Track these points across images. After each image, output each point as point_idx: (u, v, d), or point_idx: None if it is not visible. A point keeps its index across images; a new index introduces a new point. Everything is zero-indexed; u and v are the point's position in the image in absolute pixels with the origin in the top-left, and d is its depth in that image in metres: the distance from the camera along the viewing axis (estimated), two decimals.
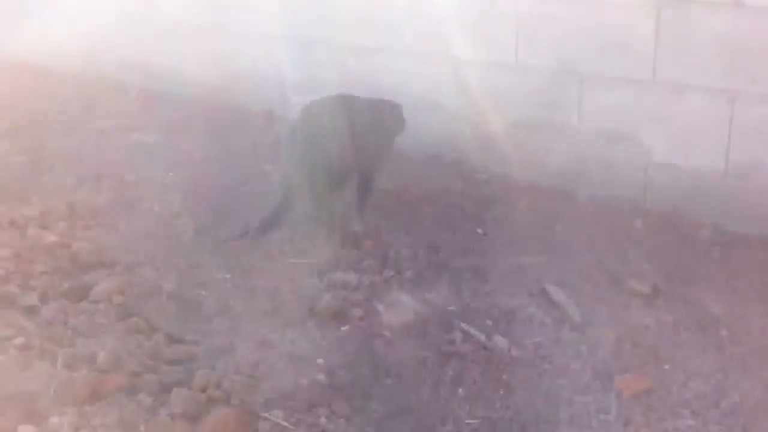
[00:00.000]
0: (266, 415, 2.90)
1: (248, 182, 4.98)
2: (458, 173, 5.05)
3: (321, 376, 3.19)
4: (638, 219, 4.40)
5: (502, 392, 3.11)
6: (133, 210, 4.62)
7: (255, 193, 4.81)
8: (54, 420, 2.73)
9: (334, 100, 4.43)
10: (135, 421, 2.77)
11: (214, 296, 3.74)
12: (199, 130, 5.92)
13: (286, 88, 5.89)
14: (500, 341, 3.39)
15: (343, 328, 3.53)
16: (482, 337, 3.43)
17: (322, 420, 2.93)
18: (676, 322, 3.50)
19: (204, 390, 2.97)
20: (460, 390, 3.13)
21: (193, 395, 2.90)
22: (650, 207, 4.47)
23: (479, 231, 4.39)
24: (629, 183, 4.56)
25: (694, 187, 4.34)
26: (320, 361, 3.30)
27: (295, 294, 3.78)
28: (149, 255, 4.08)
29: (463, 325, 3.52)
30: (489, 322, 3.56)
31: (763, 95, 4.01)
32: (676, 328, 3.46)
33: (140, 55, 6.86)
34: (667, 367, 3.21)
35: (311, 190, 4.29)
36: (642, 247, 4.14)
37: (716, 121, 4.19)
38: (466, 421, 2.95)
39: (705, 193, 4.31)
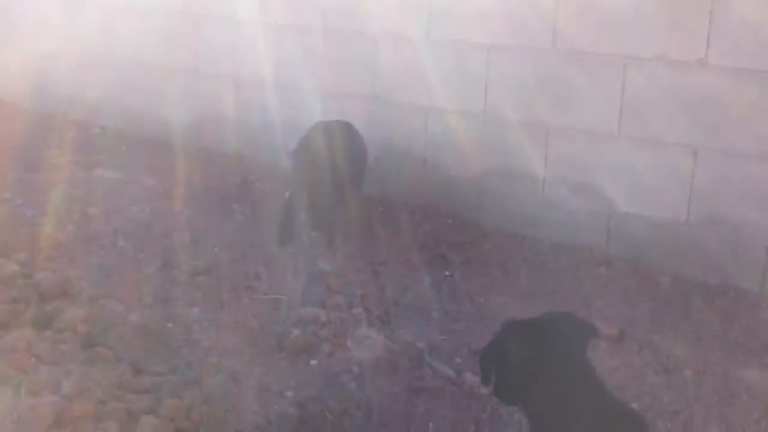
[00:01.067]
0: None
1: (214, 219, 4.96)
2: (425, 218, 5.09)
3: (291, 409, 3.15)
4: (602, 266, 4.49)
5: (472, 428, 3.11)
6: (96, 243, 4.55)
7: (221, 230, 4.80)
8: None
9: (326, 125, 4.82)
10: None
11: (181, 329, 3.69)
12: (165, 169, 5.89)
13: (255, 130, 5.93)
14: (470, 378, 3.40)
15: (312, 363, 3.51)
16: (452, 374, 3.43)
17: None
18: (643, 364, 3.56)
19: (173, 419, 2.91)
20: (431, 424, 3.12)
21: (161, 424, 2.85)
22: (614, 254, 4.56)
23: (447, 273, 4.42)
24: (593, 231, 4.66)
25: (657, 237, 4.45)
26: (289, 394, 3.26)
27: (263, 329, 3.75)
28: (113, 287, 4.02)
29: (433, 362, 3.52)
30: (458, 360, 3.57)
31: (725, 150, 4.16)
32: (642, 369, 3.52)
33: (107, 94, 6.83)
34: (635, 405, 3.24)
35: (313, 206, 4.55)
36: (606, 293, 4.22)
37: (679, 175, 4.32)
38: None
39: (667, 242, 4.42)
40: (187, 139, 6.33)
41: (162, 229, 4.78)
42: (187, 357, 3.47)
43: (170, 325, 3.71)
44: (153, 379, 3.23)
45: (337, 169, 4.59)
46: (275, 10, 5.80)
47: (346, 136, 4.75)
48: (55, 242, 4.50)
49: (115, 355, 3.36)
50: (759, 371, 3.49)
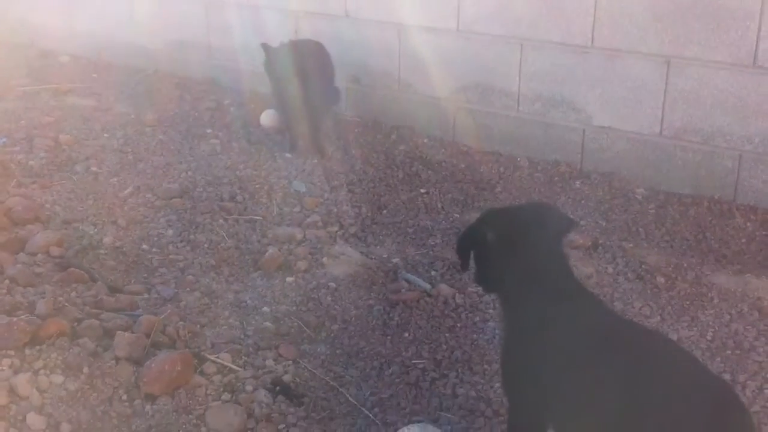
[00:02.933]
0: (213, 357, 2.87)
1: (188, 143, 4.91)
2: (401, 137, 5.07)
3: (267, 323, 3.17)
4: (577, 180, 4.50)
5: (447, 335, 3.15)
6: (68, 169, 4.50)
7: (195, 154, 4.76)
8: None
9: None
10: (78, 365, 2.70)
11: (156, 250, 3.69)
12: (137, 96, 5.81)
13: (228, 54, 5.83)
14: (445, 289, 3.43)
15: (289, 279, 3.52)
16: (427, 286, 3.46)
17: (269, 362, 2.92)
18: (616, 271, 3.60)
19: (148, 335, 2.92)
20: (406, 334, 3.16)
21: (137, 339, 2.85)
22: (589, 169, 4.57)
23: (423, 191, 4.42)
24: (569, 146, 4.65)
25: (631, 149, 4.45)
26: (266, 309, 3.29)
27: (239, 248, 3.75)
28: (87, 212, 3.99)
29: (408, 276, 3.54)
30: (433, 273, 3.60)
31: (697, 58, 4.14)
32: (615, 277, 3.56)
33: (76, 21, 6.68)
34: None
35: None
36: (581, 206, 4.24)
37: (652, 86, 4.31)
38: (413, 362, 2.98)
39: (641, 155, 4.42)
40: (160, 65, 6.23)
41: (135, 154, 4.73)
42: (163, 276, 3.47)
43: (145, 246, 3.70)
44: (129, 298, 3.23)
45: (307, 87, 4.61)
46: None
47: (314, 54, 4.69)
48: (28, 169, 4.44)
49: (90, 277, 3.34)
50: (730, 276, 3.54)
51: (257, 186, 4.33)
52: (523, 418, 2.25)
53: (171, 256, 3.63)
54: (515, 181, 4.55)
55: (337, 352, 3.05)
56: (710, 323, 3.21)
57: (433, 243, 3.88)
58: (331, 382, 2.87)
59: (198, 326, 3.08)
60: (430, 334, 3.15)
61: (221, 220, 3.96)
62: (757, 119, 4.06)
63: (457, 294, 3.41)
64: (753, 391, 2.81)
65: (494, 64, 4.83)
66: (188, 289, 3.37)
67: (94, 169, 4.52)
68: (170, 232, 3.84)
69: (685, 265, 3.62)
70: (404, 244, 3.87)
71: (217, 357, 2.88)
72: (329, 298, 3.40)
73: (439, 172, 4.65)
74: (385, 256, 3.74)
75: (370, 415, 2.71)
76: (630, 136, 4.45)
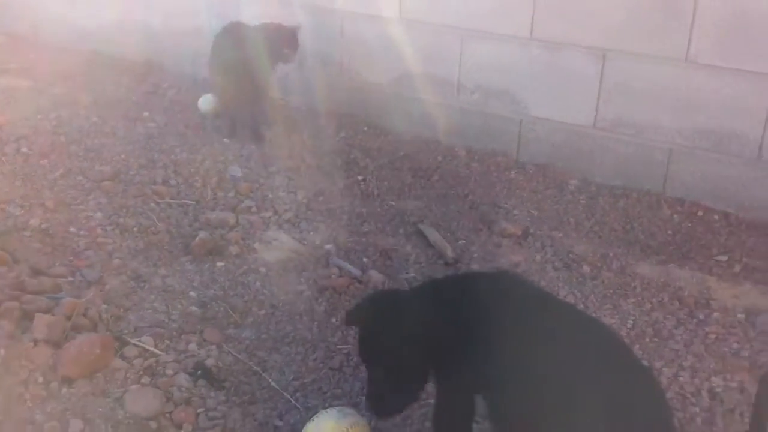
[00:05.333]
0: (134, 341, 2.84)
1: (123, 126, 4.83)
2: (342, 124, 5.06)
3: (193, 308, 3.15)
4: (513, 170, 4.54)
5: None
6: None
7: (130, 137, 4.69)
8: None
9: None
10: None
11: (84, 233, 3.62)
12: (74, 77, 5.69)
13: (167, 37, 5.75)
14: (375, 276, 3.44)
15: (219, 264, 3.49)
16: (357, 272, 3.46)
17: (192, 347, 2.89)
18: (544, 260, 3.65)
19: (69, 318, 2.87)
20: (334, 320, 3.16)
21: (57, 321, 2.80)
22: (525, 159, 4.62)
23: (360, 178, 4.42)
24: (506, 136, 4.70)
25: (566, 141, 4.51)
26: (193, 294, 3.26)
27: (170, 232, 3.71)
28: (14, 193, 3.90)
29: (339, 261, 3.54)
30: (365, 260, 3.60)
31: (632, 52, 4.20)
32: (543, 265, 3.60)
33: (13, 0, 6.53)
34: None
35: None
36: (515, 195, 4.28)
37: (588, 78, 4.36)
38: (338, 347, 2.98)
39: (575, 146, 4.49)
40: (99, 47, 6.12)
41: (68, 136, 4.63)
42: (89, 259, 3.41)
43: (72, 229, 3.63)
44: (52, 280, 3.17)
45: (248, 72, 4.61)
46: None
47: (256, 38, 4.66)
48: None
49: (13, 258, 3.27)
50: (654, 266, 3.61)
51: (192, 170, 4.29)
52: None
53: (99, 240, 3.57)
54: (452, 170, 4.57)
55: (263, 337, 3.04)
56: (631, 311, 3.27)
57: (366, 230, 3.88)
58: (255, 367, 2.86)
59: (122, 310, 3.04)
60: None
61: (153, 204, 3.91)
62: (689, 113, 4.14)
63: (387, 281, 3.42)
64: (668, 377, 2.88)
65: (435, 54, 4.84)
66: (114, 272, 3.32)
67: (24, 150, 4.41)
68: (99, 215, 3.78)
69: (611, 254, 3.68)
70: (338, 230, 3.87)
71: (139, 341, 2.85)
72: (258, 284, 3.38)
73: (377, 159, 4.65)
74: (318, 242, 3.74)
75: (292, 399, 2.71)
76: (565, 128, 4.50)
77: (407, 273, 3.51)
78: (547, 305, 2.31)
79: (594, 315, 3.20)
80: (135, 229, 3.69)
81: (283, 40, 4.71)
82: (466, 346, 2.18)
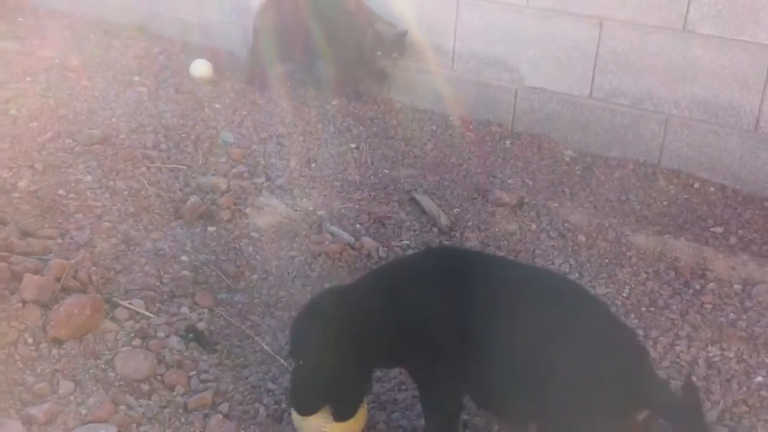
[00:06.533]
0: (125, 303, 2.80)
1: (113, 90, 4.76)
2: (334, 93, 4.99)
3: (185, 272, 3.11)
4: (508, 140, 4.51)
5: None
6: None
7: (121, 101, 4.61)
8: None
9: None
10: None
11: (73, 196, 3.56)
12: (64, 41, 5.59)
13: (166, 2, 5.67)
14: (368, 242, 3.41)
15: (210, 229, 3.45)
16: (351, 239, 3.43)
17: (184, 310, 2.86)
18: (539, 229, 3.62)
19: (59, 279, 2.83)
20: (327, 285, 3.11)
21: (46, 282, 2.76)
22: (520, 129, 4.58)
23: (353, 146, 4.37)
24: (501, 106, 4.65)
25: (562, 111, 4.47)
26: (184, 258, 3.21)
27: (161, 196, 3.66)
28: (2, 155, 3.83)
29: (332, 227, 3.51)
30: (358, 227, 3.57)
31: (629, 21, 4.16)
32: (538, 234, 3.58)
33: None
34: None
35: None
36: (510, 165, 4.25)
37: (584, 47, 4.32)
38: None
39: (571, 117, 4.45)
40: (89, 11, 6.02)
41: (57, 99, 4.55)
42: (79, 222, 3.35)
43: (62, 192, 3.57)
44: (41, 242, 3.12)
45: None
46: None
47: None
48: None
49: (1, 220, 3.22)
50: (649, 236, 3.60)
51: (183, 135, 4.23)
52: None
53: (88, 203, 3.51)
54: (446, 140, 4.53)
55: (255, 301, 3.01)
56: (627, 281, 3.26)
57: (359, 197, 3.84)
58: (247, 331, 2.83)
59: (112, 272, 3.00)
60: None
61: (143, 168, 3.85)
62: (685, 83, 4.11)
63: (380, 247, 3.39)
64: (664, 347, 2.87)
65: (430, 21, 4.78)
66: (104, 235, 3.27)
67: (13, 112, 4.34)
68: (89, 178, 3.72)
69: (607, 224, 3.66)
70: (331, 197, 3.83)
71: (130, 303, 2.81)
72: (251, 248, 3.34)
73: (370, 128, 4.60)
74: (311, 208, 3.70)
75: (285, 363, 2.68)
76: (561, 98, 4.46)
77: (401, 240, 3.48)
78: (489, 269, 2.29)
79: (590, 284, 3.19)
80: (125, 192, 3.63)
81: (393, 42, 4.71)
82: (424, 333, 2.14)
